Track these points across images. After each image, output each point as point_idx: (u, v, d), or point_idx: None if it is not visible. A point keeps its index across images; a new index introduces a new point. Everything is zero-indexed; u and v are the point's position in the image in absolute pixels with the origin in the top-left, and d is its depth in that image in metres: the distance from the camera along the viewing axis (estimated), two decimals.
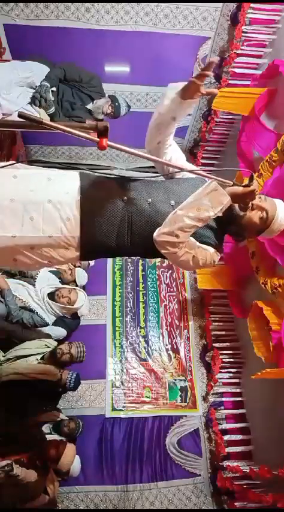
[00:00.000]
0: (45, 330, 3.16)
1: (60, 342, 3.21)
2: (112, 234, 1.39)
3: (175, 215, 1.30)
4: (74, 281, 3.48)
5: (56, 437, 3.15)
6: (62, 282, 3.33)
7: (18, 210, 1.31)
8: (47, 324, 3.06)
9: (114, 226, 1.38)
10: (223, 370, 3.86)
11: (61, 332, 3.28)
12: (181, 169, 1.34)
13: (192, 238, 1.36)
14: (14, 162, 1.40)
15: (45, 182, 1.38)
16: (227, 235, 1.58)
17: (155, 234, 1.32)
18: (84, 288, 3.59)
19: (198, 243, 1.38)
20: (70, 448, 2.79)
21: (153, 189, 1.44)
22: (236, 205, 1.42)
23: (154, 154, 1.42)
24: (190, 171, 1.35)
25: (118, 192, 1.41)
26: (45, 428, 3.19)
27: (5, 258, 1.38)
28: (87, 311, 3.60)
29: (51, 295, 3.05)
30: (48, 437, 3.07)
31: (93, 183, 1.42)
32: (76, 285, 3.48)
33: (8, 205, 1.30)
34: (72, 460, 2.82)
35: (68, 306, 3.06)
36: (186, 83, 1.27)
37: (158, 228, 1.34)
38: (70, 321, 3.34)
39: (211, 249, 1.42)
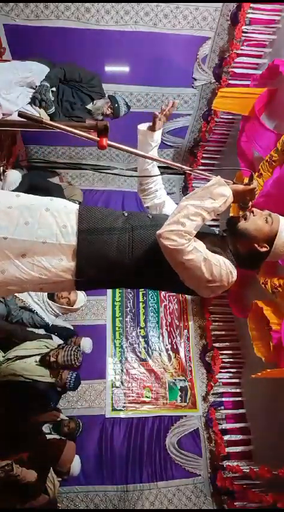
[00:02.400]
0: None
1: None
2: (112, 245, 1.31)
3: (179, 207, 1.22)
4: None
5: (55, 437, 3.16)
6: None
7: (14, 215, 1.29)
8: (46, 324, 3.05)
9: (114, 235, 1.32)
10: (223, 370, 3.87)
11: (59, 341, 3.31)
12: (182, 168, 1.34)
13: (201, 242, 1.26)
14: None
15: (47, 200, 1.40)
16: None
17: (158, 231, 1.19)
18: None
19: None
20: (70, 447, 2.79)
21: (152, 212, 1.49)
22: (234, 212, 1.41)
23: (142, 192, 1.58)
24: (191, 170, 1.35)
25: (118, 209, 1.45)
26: (45, 428, 3.19)
27: None
28: (90, 350, 3.62)
29: (51, 296, 3.04)
30: (48, 437, 3.07)
31: (93, 207, 1.44)
32: None
33: (5, 210, 1.29)
34: (72, 458, 2.82)
35: (68, 307, 3.06)
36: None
37: None
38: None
39: (226, 259, 1.27)
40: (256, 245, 1.36)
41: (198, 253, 1.19)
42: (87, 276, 1.33)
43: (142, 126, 1.51)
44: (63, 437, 3.16)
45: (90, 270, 1.32)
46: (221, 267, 1.23)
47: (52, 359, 2.83)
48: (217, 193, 1.22)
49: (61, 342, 3.33)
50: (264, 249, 1.36)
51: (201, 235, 1.25)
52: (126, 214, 1.39)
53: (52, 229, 1.29)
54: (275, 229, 1.35)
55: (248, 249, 1.38)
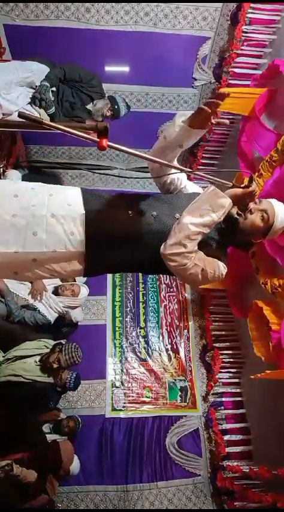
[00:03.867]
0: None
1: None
2: (118, 248, 1.36)
3: (179, 225, 1.28)
4: (74, 280, 3.50)
5: (56, 437, 3.15)
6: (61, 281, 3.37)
7: (20, 226, 1.28)
8: (49, 322, 3.07)
9: (120, 241, 1.36)
10: (223, 370, 3.86)
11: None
12: (182, 170, 1.34)
13: (200, 251, 1.33)
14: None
15: (47, 197, 1.36)
16: (238, 250, 1.56)
17: (162, 248, 1.29)
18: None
19: (207, 257, 1.36)
20: (67, 448, 2.78)
21: (157, 203, 1.44)
22: (234, 210, 1.41)
23: (157, 173, 1.47)
24: (190, 172, 1.35)
25: (122, 206, 1.39)
26: (45, 428, 3.19)
27: (6, 272, 1.36)
28: (81, 317, 3.63)
29: (55, 291, 3.11)
30: (48, 437, 3.07)
31: (96, 197, 1.41)
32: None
33: (10, 220, 1.27)
34: (71, 460, 2.82)
35: (73, 298, 3.14)
36: (194, 111, 1.26)
37: (164, 243, 1.31)
38: (67, 330, 3.50)
39: (219, 262, 1.39)
40: (252, 239, 1.51)
41: (197, 267, 1.31)
42: (93, 275, 1.45)
43: (183, 117, 1.29)
44: (63, 437, 3.16)
45: (95, 270, 1.43)
46: (215, 273, 1.35)
47: (55, 365, 2.83)
48: (217, 205, 1.27)
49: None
50: (258, 241, 1.52)
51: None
52: (130, 214, 1.38)
53: (60, 237, 1.31)
54: (271, 223, 1.44)
55: (244, 241, 1.53)
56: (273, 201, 1.48)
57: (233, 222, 1.42)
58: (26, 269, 1.34)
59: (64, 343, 3.06)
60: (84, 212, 1.34)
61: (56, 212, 1.31)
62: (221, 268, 1.37)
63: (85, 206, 1.35)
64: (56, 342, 3.09)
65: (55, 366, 2.83)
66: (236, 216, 1.41)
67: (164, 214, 1.40)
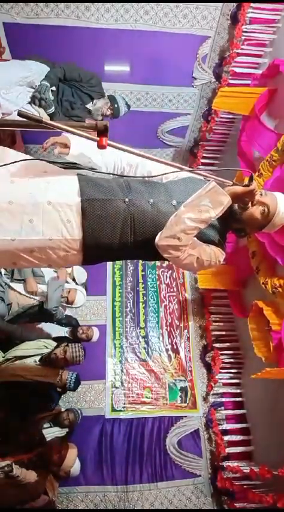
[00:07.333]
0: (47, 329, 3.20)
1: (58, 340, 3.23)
2: (115, 236, 1.36)
3: (176, 218, 1.29)
4: (73, 279, 3.48)
5: (56, 429, 3.16)
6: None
7: (17, 213, 1.27)
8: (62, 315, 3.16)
9: (117, 228, 1.35)
10: (223, 371, 3.86)
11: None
12: (182, 169, 1.33)
13: (195, 239, 1.34)
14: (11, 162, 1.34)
15: (44, 185, 1.35)
16: (230, 233, 1.58)
17: (157, 238, 1.31)
18: (84, 285, 3.58)
19: (202, 243, 1.37)
20: (72, 452, 2.78)
21: (154, 190, 1.43)
22: (235, 204, 1.41)
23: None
24: (191, 171, 1.34)
25: (119, 193, 1.38)
26: (45, 424, 3.19)
27: (4, 262, 1.37)
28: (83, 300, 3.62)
29: None
30: (48, 431, 3.06)
31: (92, 185, 1.39)
32: (76, 283, 3.48)
33: (7, 207, 1.26)
34: (73, 463, 2.81)
35: (69, 306, 3.18)
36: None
37: (159, 233, 1.32)
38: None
39: (215, 248, 1.40)
40: (247, 230, 1.53)
41: (191, 257, 1.33)
42: (92, 263, 1.46)
43: None
44: (63, 429, 3.18)
45: (94, 259, 1.44)
46: (211, 260, 1.37)
47: (60, 356, 2.85)
48: (216, 202, 1.28)
49: (65, 330, 3.53)
50: (253, 232, 1.58)
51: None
52: (127, 201, 1.37)
53: (57, 225, 1.31)
54: (270, 218, 1.45)
55: (239, 228, 1.53)
56: (279, 195, 1.48)
57: (232, 212, 1.43)
58: (24, 260, 1.33)
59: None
60: (79, 201, 1.33)
61: (52, 199, 1.31)
62: (219, 255, 1.40)
63: (82, 194, 1.35)
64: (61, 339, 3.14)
65: (60, 356, 2.86)
66: (235, 209, 1.42)
67: (161, 201, 1.40)
